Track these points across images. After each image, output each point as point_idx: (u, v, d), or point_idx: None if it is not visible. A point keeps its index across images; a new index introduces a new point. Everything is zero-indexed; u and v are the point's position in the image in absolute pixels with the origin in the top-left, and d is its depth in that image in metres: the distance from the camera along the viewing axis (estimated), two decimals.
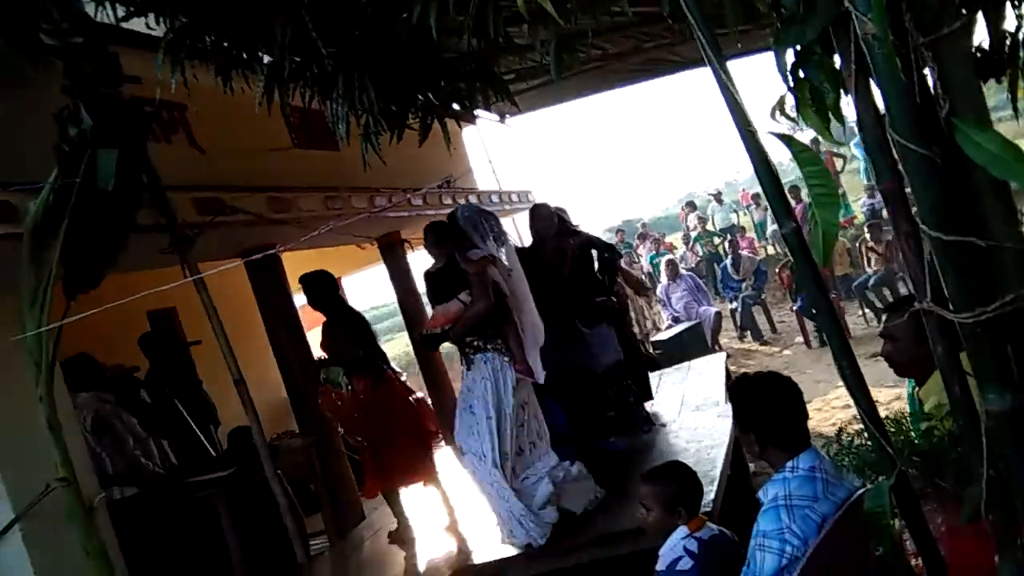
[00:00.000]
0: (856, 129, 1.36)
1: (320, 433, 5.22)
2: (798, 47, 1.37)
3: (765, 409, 2.16)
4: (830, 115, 1.39)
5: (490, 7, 1.75)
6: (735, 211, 15.90)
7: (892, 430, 1.91)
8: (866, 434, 2.02)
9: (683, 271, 11.22)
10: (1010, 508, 1.28)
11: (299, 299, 5.52)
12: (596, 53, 5.37)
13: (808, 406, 2.34)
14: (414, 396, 4.77)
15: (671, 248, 14.81)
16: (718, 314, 10.36)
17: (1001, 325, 1.22)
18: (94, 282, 3.23)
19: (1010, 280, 1.20)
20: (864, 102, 1.26)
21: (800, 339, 9.92)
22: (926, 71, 1.22)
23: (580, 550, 3.59)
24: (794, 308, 9.84)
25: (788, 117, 1.43)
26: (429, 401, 5.47)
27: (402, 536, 4.39)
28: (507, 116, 8.84)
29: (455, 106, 2.83)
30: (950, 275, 1.21)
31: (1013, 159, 1.10)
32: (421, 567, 3.96)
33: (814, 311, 9.29)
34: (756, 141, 1.32)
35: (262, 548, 4.71)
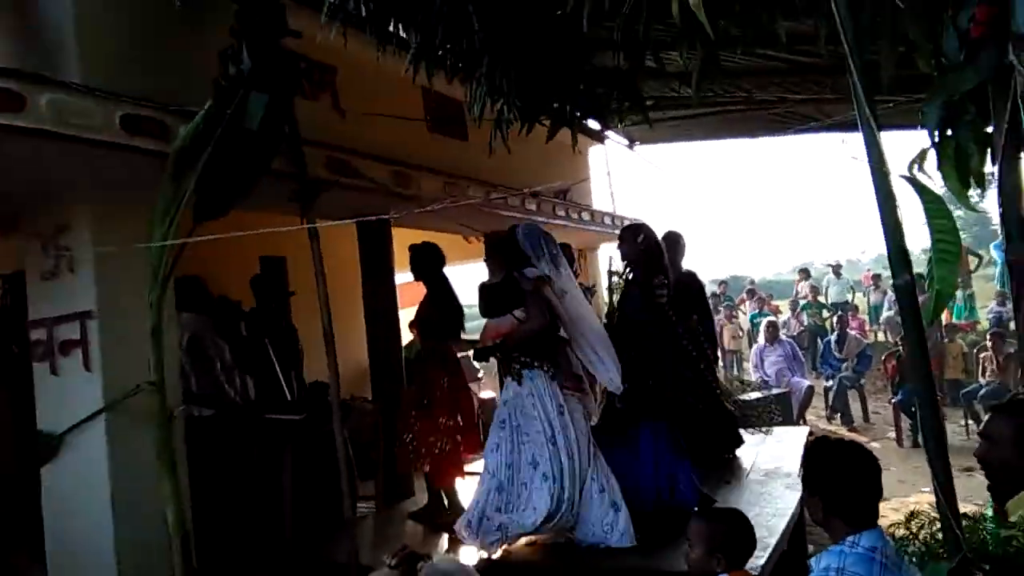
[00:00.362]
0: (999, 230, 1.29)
1: (391, 403, 5.36)
2: (950, 102, 1.32)
3: (839, 475, 2.07)
4: (972, 180, 1.33)
5: (643, 14, 1.77)
6: (851, 289, 15.22)
7: (966, 528, 1.82)
8: (935, 526, 1.93)
9: (783, 336, 10.84)
10: None
11: (401, 277, 5.71)
12: (740, 95, 5.31)
13: (885, 505, 2.22)
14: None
15: (776, 311, 14.34)
16: (810, 388, 9.95)
17: None
18: (222, 211, 3.46)
19: None
20: (1009, 170, 1.20)
21: (892, 434, 9.40)
22: None
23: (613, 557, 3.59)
24: (893, 400, 9.32)
25: (925, 172, 1.38)
26: None
27: (439, 520, 4.47)
28: (636, 143, 8.84)
29: (589, 119, 2.86)
30: None
31: None
32: (455, 551, 4.00)
33: (912, 408, 8.81)
34: (887, 183, 1.28)
35: (314, 496, 4.88)
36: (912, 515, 2.05)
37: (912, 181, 1.26)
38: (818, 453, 2.18)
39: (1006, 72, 1.14)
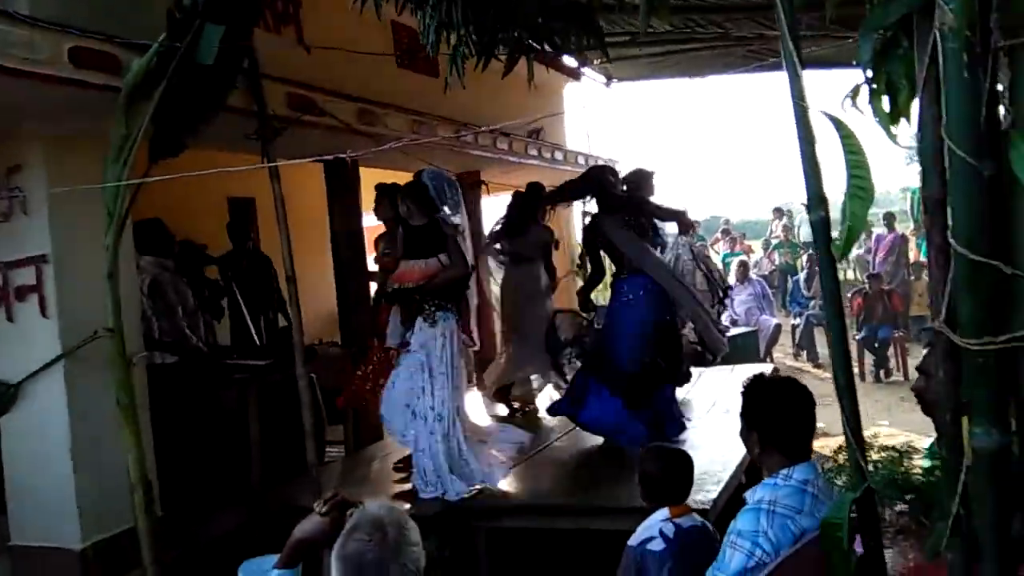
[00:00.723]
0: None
1: (359, 347, 5.32)
2: (884, 36, 1.27)
3: (775, 411, 2.12)
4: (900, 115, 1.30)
5: None
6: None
7: (894, 462, 1.86)
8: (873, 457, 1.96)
9: (753, 276, 10.94)
10: (970, 549, 1.21)
11: (371, 219, 5.58)
12: (716, 31, 5.18)
13: (841, 437, 2.25)
14: None
15: (748, 250, 14.43)
16: (778, 326, 10.10)
17: (1007, 360, 1.14)
18: (177, 149, 3.32)
19: None
20: (929, 100, 1.16)
21: (856, 370, 9.60)
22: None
23: (566, 515, 3.65)
24: (857, 337, 9.49)
25: (858, 107, 1.34)
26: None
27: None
28: (613, 81, 8.67)
29: (547, 52, 2.75)
30: (967, 298, 1.14)
31: None
32: (410, 496, 4.03)
33: (875, 344, 9.00)
34: (807, 119, 1.25)
35: (281, 441, 4.87)
36: (840, 448, 2.09)
37: (829, 116, 1.24)
38: (755, 390, 2.21)
39: (931, 5, 1.09)
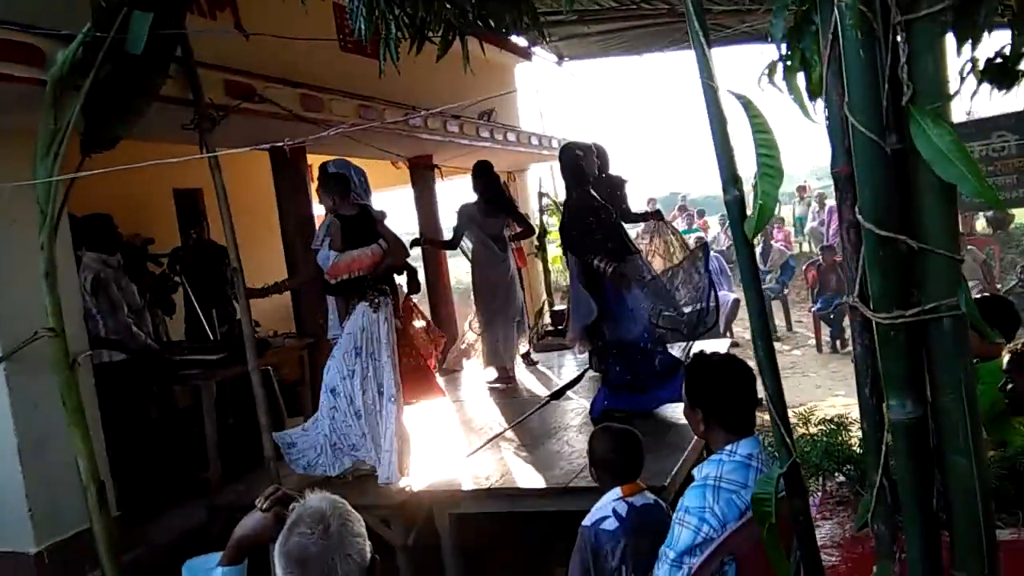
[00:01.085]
0: None
1: (315, 338, 5.27)
2: (798, 12, 1.29)
3: (716, 389, 2.15)
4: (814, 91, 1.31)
5: None
6: (778, 202, 15.52)
7: (832, 435, 1.89)
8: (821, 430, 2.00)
9: (712, 252, 11.04)
10: (894, 519, 1.25)
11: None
12: (663, 7, 5.19)
13: (798, 408, 2.30)
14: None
15: (704, 227, 14.57)
16: (736, 301, 10.22)
17: (918, 333, 1.16)
18: (110, 143, 3.23)
19: (935, 288, 1.14)
20: (833, 77, 1.18)
21: (813, 341, 9.79)
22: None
23: (528, 498, 3.69)
24: (813, 309, 9.67)
25: (775, 85, 1.35)
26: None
27: None
28: (564, 59, 8.65)
29: (482, 32, 2.73)
30: (876, 272, 1.15)
31: (959, 160, 1.02)
32: (373, 486, 4.02)
33: (831, 314, 9.18)
34: (716, 99, 1.26)
35: (239, 437, 4.81)
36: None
37: (736, 95, 1.25)
38: (697, 368, 2.24)
39: None
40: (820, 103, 1.33)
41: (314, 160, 5.64)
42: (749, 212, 1.25)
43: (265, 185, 5.45)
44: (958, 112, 1.11)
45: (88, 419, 3.35)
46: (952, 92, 1.12)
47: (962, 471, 1.15)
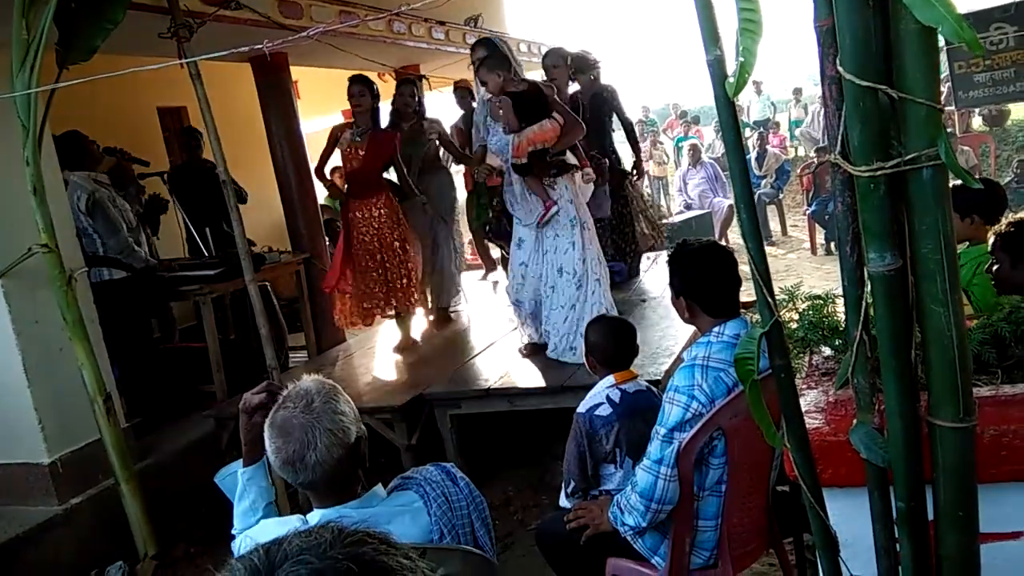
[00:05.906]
0: None
1: (310, 253, 5.29)
2: None
3: (698, 276, 2.18)
4: None
5: None
6: (772, 106, 15.30)
7: (819, 309, 1.93)
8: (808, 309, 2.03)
9: (706, 159, 10.95)
10: (873, 371, 1.28)
11: (325, 121, 5.41)
12: None
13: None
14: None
15: (700, 134, 14.40)
16: (731, 207, 10.19)
17: (897, 184, 1.16)
18: (86, 54, 3.15)
19: (916, 139, 1.13)
20: None
21: (807, 245, 9.82)
22: None
23: (529, 397, 3.78)
24: (807, 212, 9.66)
25: None
26: None
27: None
28: None
29: None
30: (856, 125, 1.14)
31: (939, 3, 1.00)
32: (382, 389, 4.11)
33: (826, 216, 9.18)
34: None
35: (242, 350, 4.90)
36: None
37: None
38: (678, 256, 2.26)
39: None
40: None
41: (299, 74, 5.52)
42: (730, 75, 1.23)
43: (250, 101, 5.35)
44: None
45: (90, 335, 3.42)
46: None
47: (939, 320, 1.18)
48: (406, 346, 4.69)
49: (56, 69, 3.18)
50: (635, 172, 5.57)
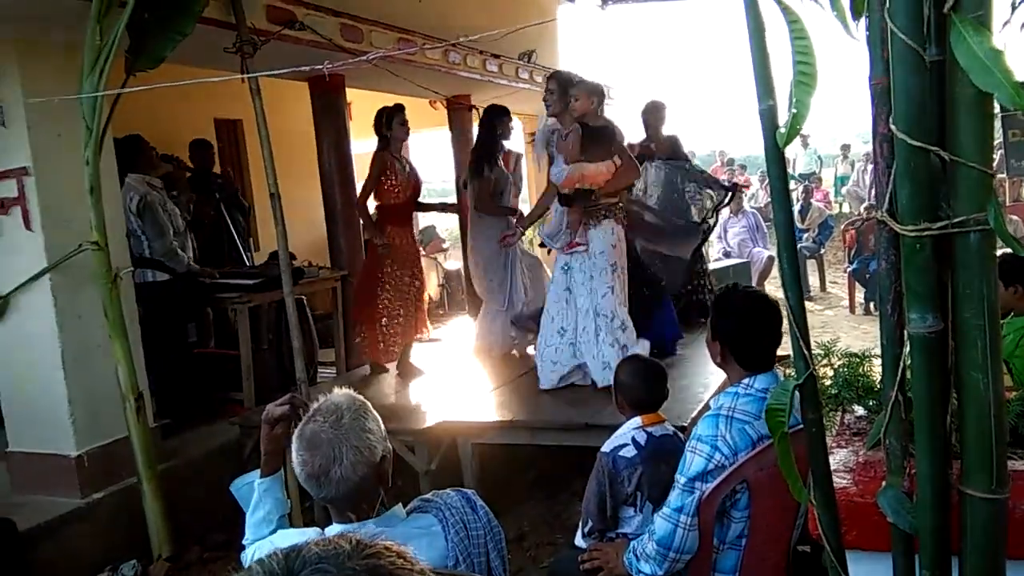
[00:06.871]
0: None
1: (348, 271, 5.36)
2: None
3: (739, 326, 2.14)
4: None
5: None
6: (819, 160, 15.20)
7: (854, 367, 1.90)
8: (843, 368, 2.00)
9: (748, 207, 10.88)
10: (906, 434, 1.25)
11: (365, 144, 5.50)
12: None
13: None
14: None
15: (746, 183, 14.35)
16: (771, 258, 10.09)
17: (943, 247, 1.15)
18: (154, 63, 3.28)
19: (965, 202, 1.12)
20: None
21: (846, 302, 9.67)
22: None
23: (548, 431, 3.77)
24: (848, 270, 9.53)
25: (818, 2, 1.31)
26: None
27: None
28: (608, 3, 8.46)
29: None
30: (906, 184, 1.14)
31: (996, 68, 1.00)
32: (401, 413, 4.12)
33: (867, 275, 9.04)
34: (755, 5, 1.23)
35: (273, 361, 4.96)
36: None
37: (777, 1, 1.21)
38: (723, 301, 2.23)
39: None
40: (862, 23, 1.30)
41: (353, 96, 5.64)
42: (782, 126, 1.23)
43: (304, 120, 5.48)
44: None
45: (129, 333, 3.50)
46: None
47: (978, 387, 1.16)
48: (416, 374, 4.76)
49: (123, 75, 3.32)
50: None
